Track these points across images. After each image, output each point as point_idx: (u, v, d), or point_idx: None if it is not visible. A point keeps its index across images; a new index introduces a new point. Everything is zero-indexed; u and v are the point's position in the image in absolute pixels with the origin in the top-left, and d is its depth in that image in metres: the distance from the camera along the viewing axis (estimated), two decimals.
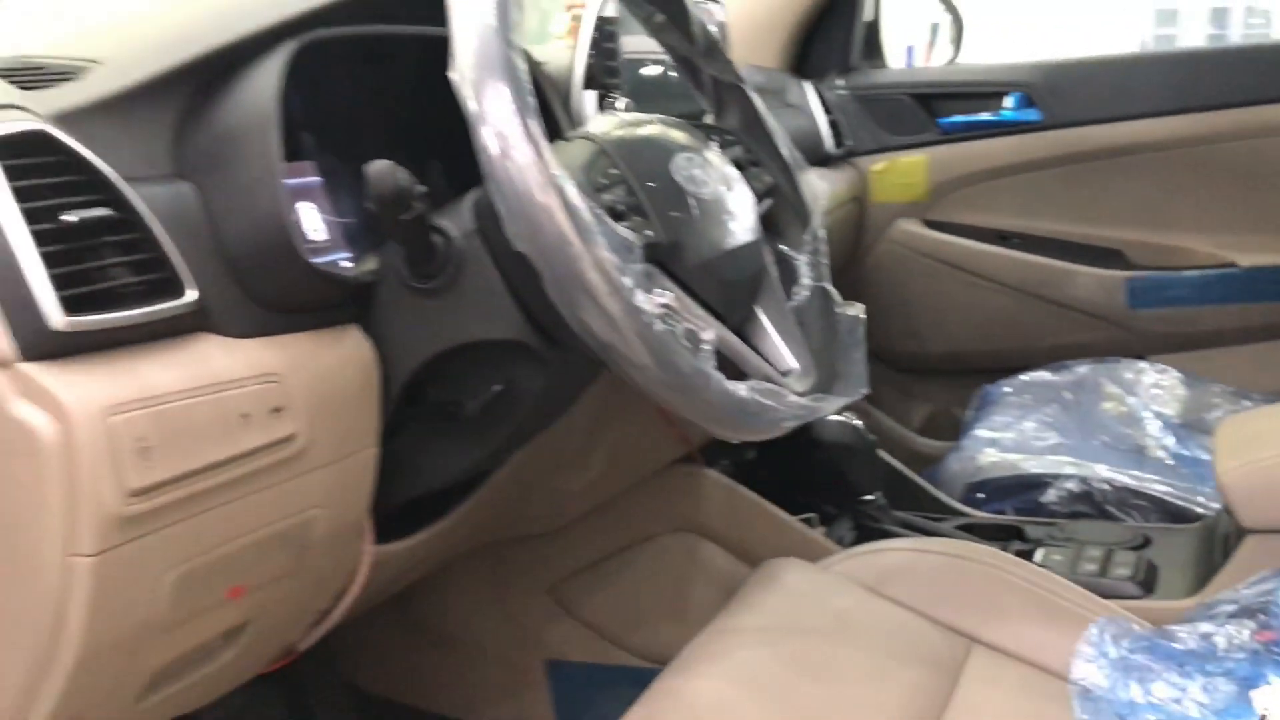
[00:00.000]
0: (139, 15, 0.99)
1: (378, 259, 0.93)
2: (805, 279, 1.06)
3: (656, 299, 0.79)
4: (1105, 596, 1.16)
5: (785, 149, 1.09)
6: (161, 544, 0.76)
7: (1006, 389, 1.91)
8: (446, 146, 1.09)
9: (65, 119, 0.80)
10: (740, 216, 0.97)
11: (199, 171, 0.85)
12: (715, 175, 0.96)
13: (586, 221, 0.76)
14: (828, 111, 2.21)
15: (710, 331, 0.83)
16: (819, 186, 1.96)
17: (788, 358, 0.98)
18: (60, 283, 0.71)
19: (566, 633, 1.47)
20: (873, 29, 2.36)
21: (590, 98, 1.28)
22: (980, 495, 1.60)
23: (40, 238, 0.71)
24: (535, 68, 1.29)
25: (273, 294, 0.86)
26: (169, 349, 0.78)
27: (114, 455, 0.71)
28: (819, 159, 2.15)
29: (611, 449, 1.30)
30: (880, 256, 2.30)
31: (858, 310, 1.06)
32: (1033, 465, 1.59)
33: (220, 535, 0.81)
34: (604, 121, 0.96)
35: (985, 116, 2.23)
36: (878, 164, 2.27)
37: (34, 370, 0.70)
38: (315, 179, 1.09)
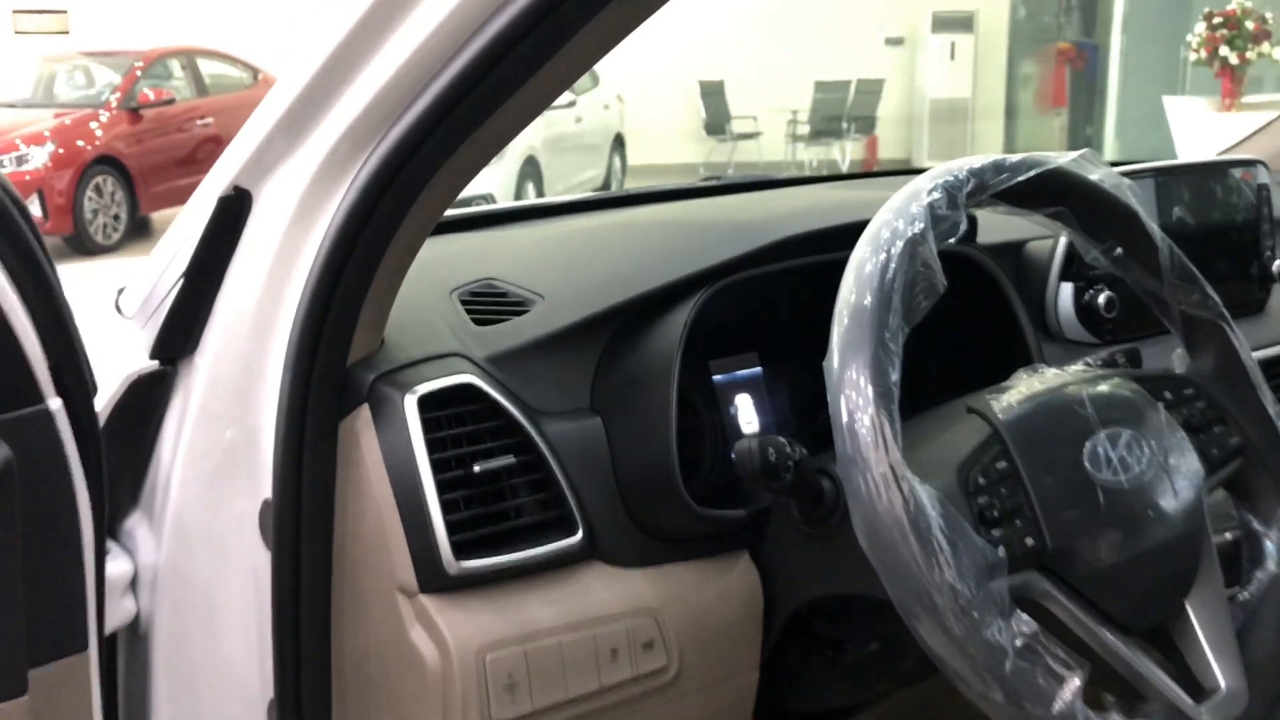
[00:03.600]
0: (578, 256, 1.08)
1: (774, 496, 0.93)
2: (1271, 564, 0.90)
3: (1017, 628, 0.72)
4: None
5: (1270, 402, 0.93)
6: None
7: None
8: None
9: (500, 359, 0.90)
10: (1172, 506, 0.83)
11: (608, 408, 0.92)
12: (1149, 456, 0.84)
13: (936, 541, 0.71)
14: None
15: (1079, 672, 0.73)
16: None
17: (1215, 673, 0.83)
18: (458, 528, 0.82)
19: None
20: None
21: (1067, 292, 1.19)
22: None
23: (446, 486, 0.82)
24: (1016, 252, 1.22)
25: (660, 527, 0.91)
26: (554, 581, 0.86)
27: (482, 690, 0.81)
28: None
29: None
30: None
31: None
32: None
33: None
34: (1026, 384, 0.87)
35: None
36: None
37: (429, 603, 0.82)
38: (755, 370, 1.13)
